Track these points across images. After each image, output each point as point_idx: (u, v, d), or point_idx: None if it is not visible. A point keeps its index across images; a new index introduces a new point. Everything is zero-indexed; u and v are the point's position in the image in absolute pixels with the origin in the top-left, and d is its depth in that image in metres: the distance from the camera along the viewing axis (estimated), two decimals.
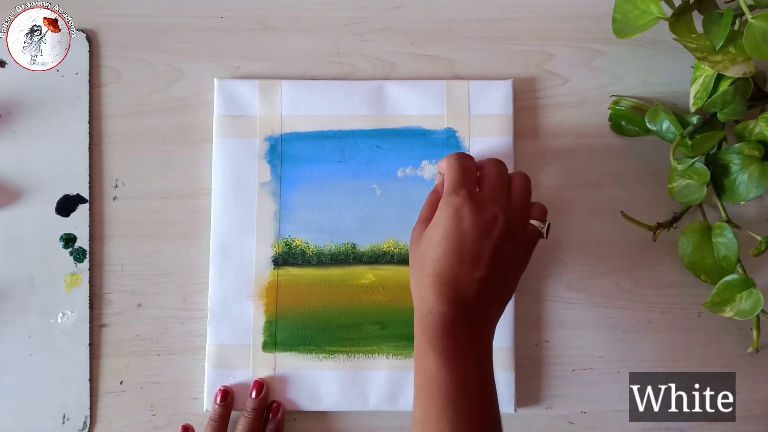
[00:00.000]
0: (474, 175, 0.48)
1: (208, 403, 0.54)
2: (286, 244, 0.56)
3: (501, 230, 0.46)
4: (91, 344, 0.56)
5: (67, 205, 0.56)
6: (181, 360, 0.56)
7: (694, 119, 0.53)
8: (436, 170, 0.56)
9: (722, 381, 0.56)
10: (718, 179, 0.54)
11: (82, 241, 0.56)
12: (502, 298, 0.47)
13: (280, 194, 0.56)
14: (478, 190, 0.48)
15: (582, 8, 0.58)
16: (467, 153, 0.49)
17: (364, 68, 0.58)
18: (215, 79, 0.57)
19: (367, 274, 0.56)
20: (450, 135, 0.56)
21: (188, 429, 0.55)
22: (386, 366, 0.55)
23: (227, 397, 0.54)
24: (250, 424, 0.53)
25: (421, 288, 0.46)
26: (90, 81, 0.58)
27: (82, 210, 0.56)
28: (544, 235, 0.49)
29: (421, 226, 0.48)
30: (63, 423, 0.55)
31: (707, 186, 0.52)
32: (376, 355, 0.55)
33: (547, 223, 0.49)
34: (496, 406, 0.45)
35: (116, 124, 0.58)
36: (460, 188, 0.46)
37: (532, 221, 0.48)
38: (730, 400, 0.56)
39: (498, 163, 0.49)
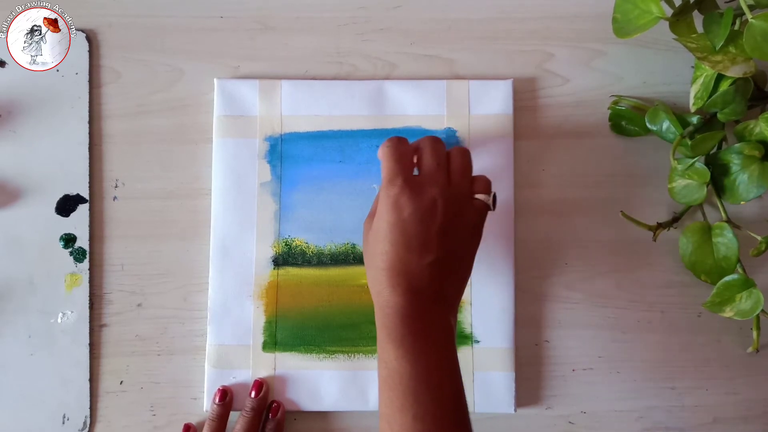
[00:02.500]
0: (410, 160, 0.47)
1: (208, 403, 0.54)
2: (286, 244, 0.56)
3: (443, 212, 0.45)
4: (91, 344, 0.56)
5: (67, 205, 0.56)
6: (181, 360, 0.56)
7: (694, 119, 0.53)
8: None
9: (722, 381, 0.56)
10: (718, 179, 0.54)
11: (82, 241, 0.56)
12: (459, 278, 0.47)
13: (280, 194, 0.56)
14: (416, 172, 0.47)
15: (582, 8, 0.58)
16: (400, 137, 0.47)
17: (364, 68, 0.58)
18: (215, 79, 0.57)
19: None
20: (450, 135, 0.56)
21: (190, 428, 0.55)
22: None
23: (226, 397, 0.54)
24: (249, 423, 0.53)
25: (376, 283, 0.46)
26: (90, 81, 0.58)
27: (82, 210, 0.56)
28: (491, 207, 0.48)
29: (370, 220, 0.48)
30: (63, 423, 0.55)
31: (707, 186, 0.52)
32: (376, 354, 0.55)
33: (492, 194, 0.48)
34: (460, 391, 0.45)
35: (116, 124, 0.58)
36: (395, 177, 0.45)
37: (477, 195, 0.48)
38: (731, 399, 0.56)
39: (433, 142, 0.48)
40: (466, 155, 0.49)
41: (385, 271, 0.45)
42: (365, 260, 0.48)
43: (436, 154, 0.47)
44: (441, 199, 0.45)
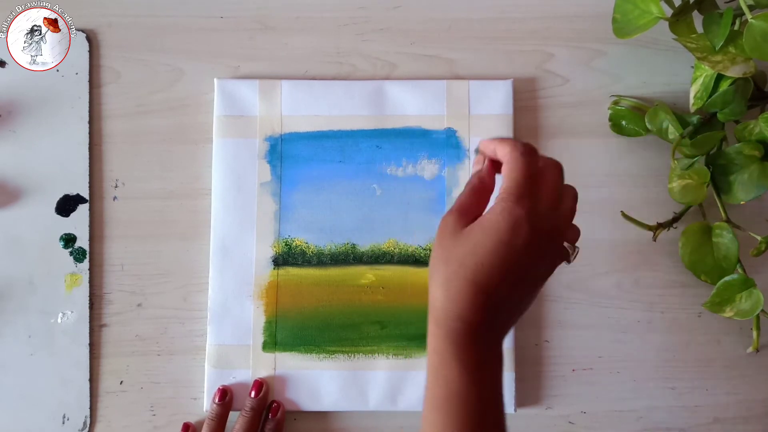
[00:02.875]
0: (537, 182, 0.42)
1: (207, 403, 0.54)
2: (286, 244, 0.56)
3: (545, 250, 0.42)
4: (91, 344, 0.56)
5: (67, 205, 0.56)
6: (181, 360, 0.56)
7: (694, 119, 0.53)
8: (436, 170, 0.56)
9: (722, 381, 0.56)
10: (718, 179, 0.54)
11: (82, 241, 0.56)
12: (523, 310, 0.44)
13: (280, 194, 0.56)
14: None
15: (582, 8, 0.58)
16: (531, 145, 0.43)
17: (364, 68, 0.58)
18: (215, 79, 0.57)
19: (367, 274, 0.56)
20: (450, 135, 0.56)
21: (189, 427, 0.55)
22: (386, 366, 0.55)
23: (225, 397, 0.54)
24: (248, 423, 0.53)
25: (452, 288, 0.41)
26: (90, 81, 0.58)
27: (82, 210, 0.56)
28: (570, 260, 0.45)
29: (459, 217, 0.42)
30: (63, 423, 0.55)
31: (707, 186, 0.52)
32: (376, 355, 0.55)
33: (576, 249, 0.45)
34: (504, 417, 0.43)
35: (116, 124, 0.58)
36: (524, 198, 0.41)
37: (566, 244, 0.44)
38: (731, 399, 0.56)
39: (559, 171, 0.44)
40: (576, 199, 0.45)
41: (471, 284, 0.41)
42: (438, 256, 0.42)
43: (559, 185, 0.44)
44: (551, 240, 0.42)
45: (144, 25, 0.58)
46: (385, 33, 0.59)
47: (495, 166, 0.44)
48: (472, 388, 0.41)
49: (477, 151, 0.46)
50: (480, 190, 0.44)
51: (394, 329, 0.55)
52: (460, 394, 0.41)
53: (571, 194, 0.44)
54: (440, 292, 0.42)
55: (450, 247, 0.42)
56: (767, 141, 0.51)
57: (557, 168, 0.44)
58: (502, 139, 0.43)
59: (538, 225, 0.41)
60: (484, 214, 0.42)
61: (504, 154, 0.43)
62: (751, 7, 0.49)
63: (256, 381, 0.54)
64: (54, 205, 0.56)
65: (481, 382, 0.41)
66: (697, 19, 0.53)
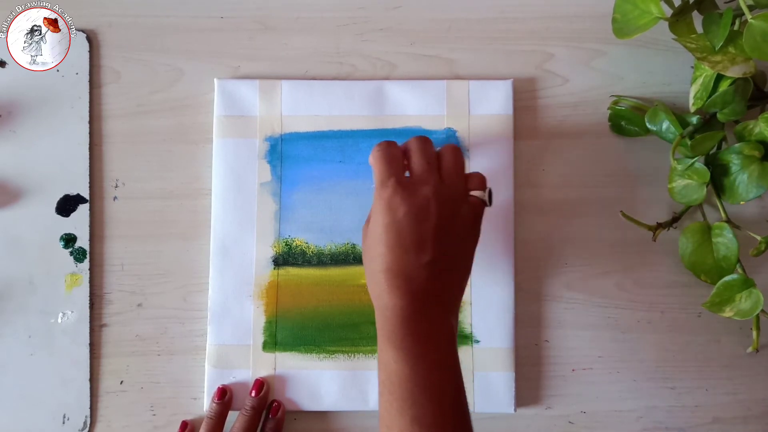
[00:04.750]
0: (400, 162, 0.47)
1: (208, 403, 0.54)
2: (286, 244, 0.56)
3: (437, 211, 0.45)
4: (91, 344, 0.56)
5: (67, 205, 0.56)
6: (181, 360, 0.56)
7: (694, 119, 0.53)
8: None
9: (722, 381, 0.56)
10: (718, 179, 0.54)
11: (82, 241, 0.56)
12: (459, 277, 0.47)
13: (280, 194, 0.56)
14: (408, 174, 0.47)
15: (582, 8, 0.59)
16: (389, 140, 0.47)
17: (364, 68, 0.58)
18: (215, 79, 0.57)
19: None
20: (450, 135, 0.56)
21: (187, 425, 0.55)
22: None
23: (224, 396, 0.54)
24: (248, 422, 0.53)
25: (375, 286, 0.45)
26: (90, 81, 0.58)
27: (82, 210, 0.57)
28: (488, 203, 0.48)
29: (367, 225, 0.48)
30: (63, 423, 0.55)
31: (707, 186, 0.52)
32: (376, 354, 0.55)
33: (488, 190, 0.48)
34: (460, 393, 0.44)
35: (116, 124, 0.58)
36: (387, 179, 0.45)
37: (472, 192, 0.47)
38: (731, 399, 0.56)
39: (421, 142, 0.48)
40: (457, 153, 0.48)
41: (383, 273, 0.45)
42: (364, 264, 0.48)
43: (426, 153, 0.47)
44: (434, 198, 0.45)
45: (144, 25, 0.58)
46: (385, 33, 0.59)
47: None
48: (405, 367, 0.43)
49: None
50: None
51: None
52: (395, 373, 0.43)
53: (449, 150, 0.48)
54: (371, 293, 0.46)
55: (365, 250, 0.47)
56: (767, 141, 0.51)
57: (419, 140, 0.48)
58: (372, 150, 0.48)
59: (414, 193, 0.45)
60: None
61: (370, 160, 0.48)
62: (750, 7, 0.49)
63: (256, 380, 0.54)
64: (54, 205, 0.56)
65: (415, 361, 0.43)
66: (697, 19, 0.53)
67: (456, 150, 0.48)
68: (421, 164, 0.47)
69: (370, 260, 0.46)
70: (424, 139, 0.48)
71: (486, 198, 0.48)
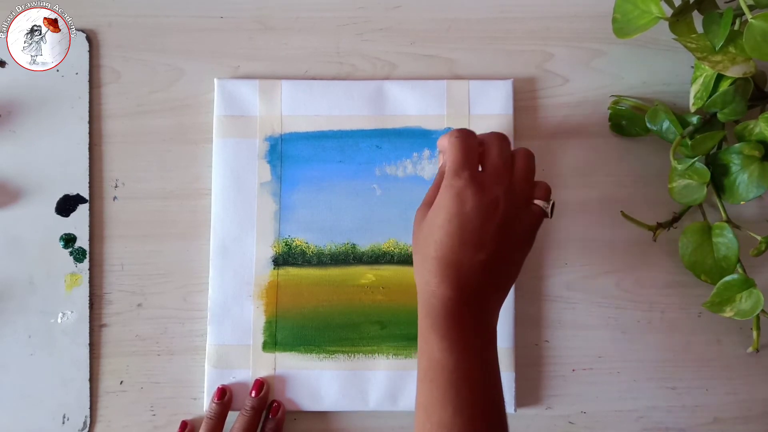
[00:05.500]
0: (476, 155, 0.46)
1: (208, 403, 0.54)
2: (286, 244, 0.56)
3: (503, 212, 0.45)
4: (91, 344, 0.56)
5: (67, 205, 0.56)
6: (181, 360, 0.56)
7: (694, 119, 0.53)
8: (436, 170, 0.56)
9: (722, 381, 0.56)
10: (718, 179, 0.54)
11: (82, 241, 0.56)
12: (507, 280, 0.47)
13: (280, 194, 0.56)
14: (480, 169, 0.47)
15: (582, 8, 0.59)
16: (469, 129, 0.47)
17: (364, 68, 0.58)
18: (215, 79, 0.57)
19: (367, 274, 0.56)
20: None
21: (187, 425, 0.55)
22: (386, 366, 0.55)
23: (224, 396, 0.54)
24: (248, 422, 0.53)
25: (425, 271, 0.45)
26: (90, 81, 0.58)
27: (82, 210, 0.57)
28: (549, 215, 0.48)
29: (425, 208, 0.47)
30: (63, 423, 0.55)
31: (707, 186, 0.52)
32: (376, 355, 0.55)
33: (551, 202, 0.48)
34: (499, 392, 0.44)
35: (116, 124, 0.58)
36: (462, 170, 0.45)
37: (536, 201, 0.47)
38: (731, 399, 0.56)
39: (501, 139, 0.47)
40: (531, 158, 0.48)
41: (435, 261, 0.44)
42: (414, 247, 0.47)
43: (504, 152, 0.47)
44: (503, 199, 0.45)
45: (144, 25, 0.58)
46: (385, 33, 0.59)
47: None
48: (450, 358, 0.43)
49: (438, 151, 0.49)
50: (439, 181, 0.47)
51: (394, 329, 0.55)
52: (439, 362, 0.43)
53: (523, 155, 0.48)
54: (418, 277, 0.46)
55: (418, 235, 0.47)
56: (767, 141, 0.51)
57: (499, 137, 0.47)
58: (448, 133, 0.47)
59: (485, 190, 0.45)
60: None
61: (443, 143, 0.47)
62: (751, 7, 0.49)
63: (256, 380, 0.54)
64: (54, 205, 0.56)
65: (460, 352, 0.43)
66: (697, 19, 0.53)
67: (531, 155, 0.48)
68: (497, 162, 0.46)
69: (424, 244, 0.46)
70: (503, 136, 0.48)
71: (548, 209, 0.47)
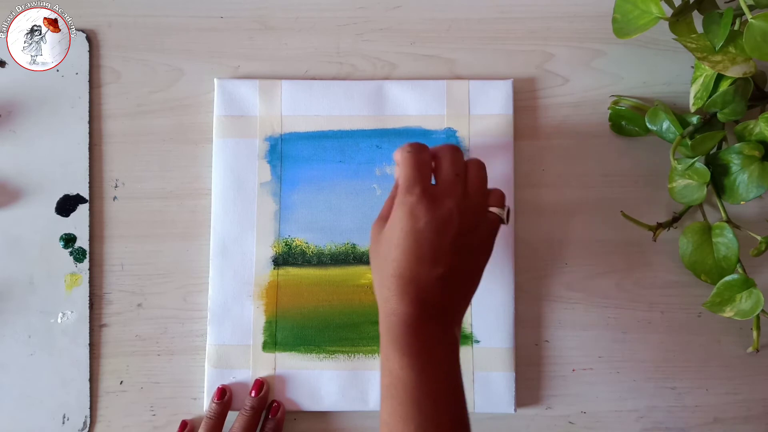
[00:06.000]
0: (428, 169, 0.46)
1: (207, 403, 0.54)
2: (286, 244, 0.56)
3: (458, 224, 0.45)
4: (91, 344, 0.56)
5: (67, 205, 0.56)
6: (181, 360, 0.56)
7: (694, 119, 0.53)
8: None
9: (722, 381, 0.56)
10: (718, 179, 0.54)
11: (82, 241, 0.56)
12: (467, 291, 0.47)
13: (280, 194, 0.56)
14: (433, 181, 0.47)
15: (582, 8, 0.59)
16: (421, 143, 0.47)
17: (364, 68, 0.58)
18: (215, 79, 0.57)
19: (367, 274, 0.56)
20: (450, 135, 0.56)
21: (186, 424, 0.55)
22: None
23: (224, 396, 0.54)
24: (248, 422, 0.53)
25: (383, 289, 0.45)
26: (90, 81, 0.58)
27: (82, 210, 0.57)
28: (505, 221, 0.48)
29: (380, 223, 0.47)
30: (63, 423, 0.55)
31: (707, 186, 0.52)
32: (376, 355, 0.55)
33: (506, 208, 0.48)
34: (463, 405, 0.44)
35: (116, 124, 0.58)
36: (413, 186, 0.45)
37: (491, 208, 0.47)
38: (731, 399, 0.56)
39: (453, 152, 0.47)
40: (483, 168, 0.48)
41: (393, 278, 0.44)
42: (372, 264, 0.47)
43: (456, 164, 0.47)
44: (457, 212, 0.45)
45: (144, 25, 0.58)
46: (385, 33, 0.59)
47: None
48: (411, 373, 0.43)
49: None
50: (394, 195, 0.47)
51: None
52: (401, 379, 0.43)
53: (475, 165, 0.48)
54: (378, 295, 0.46)
55: (375, 251, 0.47)
56: (767, 141, 0.51)
57: (451, 149, 0.47)
58: (401, 147, 0.47)
59: (437, 203, 0.45)
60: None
61: (396, 157, 0.47)
62: (751, 7, 0.49)
63: (256, 380, 0.54)
64: (54, 205, 0.56)
65: (421, 367, 0.43)
66: (697, 19, 0.53)
67: (482, 166, 0.48)
68: (450, 175, 0.46)
69: (381, 262, 0.46)
70: (455, 148, 0.48)
71: (504, 216, 0.48)
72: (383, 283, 0.45)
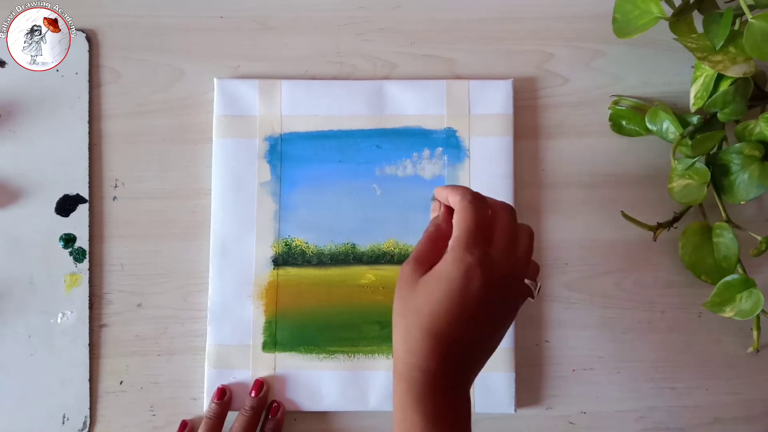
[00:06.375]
0: (488, 226, 0.43)
1: (207, 404, 0.54)
2: (286, 244, 0.56)
3: (502, 294, 0.43)
4: (91, 344, 0.56)
5: (67, 205, 0.56)
6: (181, 360, 0.56)
7: (695, 119, 0.53)
8: (436, 170, 0.56)
9: (722, 381, 0.56)
10: (718, 179, 0.54)
11: (82, 241, 0.56)
12: (487, 355, 0.45)
13: (280, 194, 0.56)
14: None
15: (582, 8, 0.59)
16: (479, 194, 0.44)
17: (364, 68, 0.58)
18: (215, 79, 0.57)
19: (367, 274, 0.56)
20: (450, 135, 0.56)
21: (186, 424, 0.55)
22: (386, 366, 0.55)
23: (224, 396, 0.54)
24: (247, 422, 0.53)
25: (411, 339, 0.42)
26: (90, 81, 0.58)
27: (82, 210, 0.56)
28: (534, 296, 0.45)
29: (417, 266, 0.43)
30: (63, 423, 0.55)
31: (707, 186, 0.52)
32: (376, 355, 0.55)
33: (538, 285, 0.46)
34: None
35: (116, 124, 0.58)
36: (475, 246, 0.42)
37: (527, 281, 0.45)
38: (731, 399, 0.56)
39: (511, 215, 0.45)
40: (532, 238, 0.46)
41: (428, 334, 0.41)
42: (399, 309, 0.43)
43: (512, 228, 0.44)
44: (506, 281, 0.43)
45: (144, 25, 0.58)
46: (385, 33, 0.59)
47: (450, 212, 0.45)
48: None
49: (433, 198, 0.47)
50: (436, 237, 0.45)
51: None
52: None
53: (526, 233, 0.45)
54: (400, 344, 0.43)
55: (407, 298, 0.43)
56: (767, 141, 0.51)
57: (508, 211, 0.45)
58: (453, 187, 0.44)
59: (492, 269, 0.42)
60: (438, 263, 0.42)
61: (454, 202, 0.44)
62: (751, 7, 0.49)
63: (256, 380, 0.54)
64: (54, 205, 0.56)
65: (440, 429, 0.41)
66: (697, 19, 0.53)
67: (532, 234, 0.46)
68: (506, 240, 0.44)
69: (414, 311, 0.42)
70: (512, 209, 0.45)
71: (536, 291, 0.45)
72: (410, 333, 0.42)
